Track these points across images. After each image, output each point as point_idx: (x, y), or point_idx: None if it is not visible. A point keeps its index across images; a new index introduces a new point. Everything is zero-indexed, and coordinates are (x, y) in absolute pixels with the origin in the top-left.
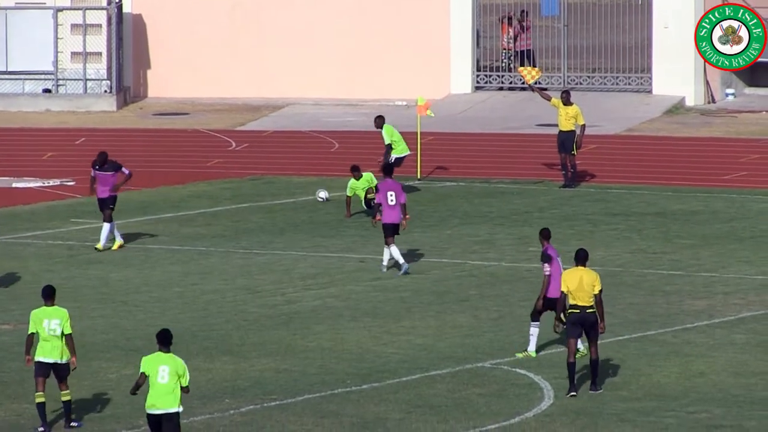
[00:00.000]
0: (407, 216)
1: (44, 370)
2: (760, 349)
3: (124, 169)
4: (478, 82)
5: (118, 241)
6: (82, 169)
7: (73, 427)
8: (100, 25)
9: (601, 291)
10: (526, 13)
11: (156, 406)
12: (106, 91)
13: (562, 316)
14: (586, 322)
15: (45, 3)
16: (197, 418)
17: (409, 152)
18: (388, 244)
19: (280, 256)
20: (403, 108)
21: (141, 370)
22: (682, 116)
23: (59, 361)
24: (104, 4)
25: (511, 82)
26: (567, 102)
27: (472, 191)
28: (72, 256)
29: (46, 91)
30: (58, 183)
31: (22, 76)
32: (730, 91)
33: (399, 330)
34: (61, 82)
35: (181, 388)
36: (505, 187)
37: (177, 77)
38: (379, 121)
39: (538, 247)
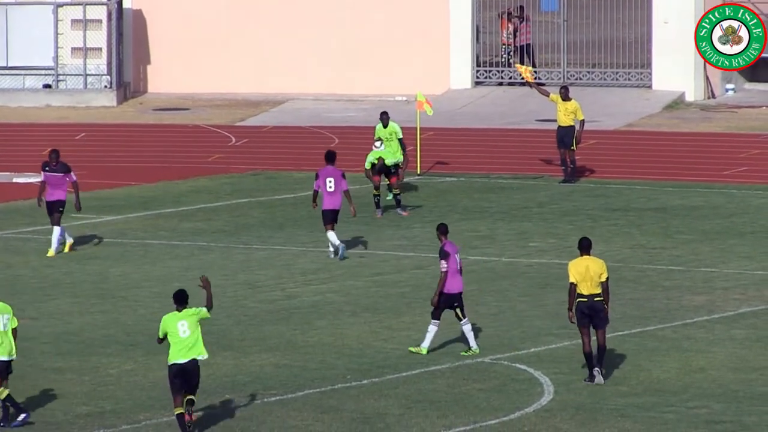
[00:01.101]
0: (353, 205)
1: (3, 368)
2: (759, 344)
3: (72, 174)
4: (477, 78)
5: (69, 241)
6: (83, 164)
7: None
8: (100, 21)
9: (608, 279)
10: (522, 8)
11: (180, 357)
12: (106, 87)
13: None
14: (594, 310)
15: None
16: (198, 413)
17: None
18: (326, 230)
19: (280, 251)
20: (403, 103)
21: (159, 334)
22: (681, 111)
23: (7, 358)
24: None
25: (510, 78)
26: (566, 97)
27: (472, 186)
28: (71, 251)
29: (47, 86)
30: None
31: (23, 72)
32: (730, 86)
33: (399, 325)
34: (61, 77)
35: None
36: (505, 183)
37: (177, 73)
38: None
39: (538, 242)
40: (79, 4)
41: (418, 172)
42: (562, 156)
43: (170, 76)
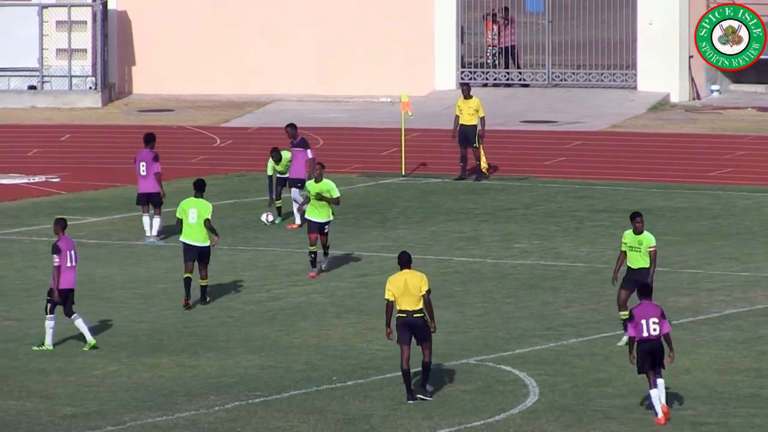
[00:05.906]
0: (162, 188)
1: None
2: (744, 346)
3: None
4: (462, 79)
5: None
6: (68, 165)
7: None
8: (85, 22)
9: (429, 291)
10: (506, 9)
11: (188, 238)
12: (91, 88)
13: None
14: (414, 326)
15: (30, 0)
16: (182, 414)
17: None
18: (143, 212)
19: (264, 252)
20: (388, 105)
21: (177, 214)
22: (666, 112)
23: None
24: (89, 1)
25: (495, 79)
26: (467, 96)
27: (456, 188)
28: None
29: (32, 87)
30: (44, 179)
31: (8, 73)
32: (715, 87)
33: (384, 326)
34: (46, 78)
35: (204, 221)
36: (489, 184)
37: (162, 74)
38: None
39: (523, 244)
40: (64, 6)
41: (403, 174)
42: (462, 153)
43: (155, 77)
